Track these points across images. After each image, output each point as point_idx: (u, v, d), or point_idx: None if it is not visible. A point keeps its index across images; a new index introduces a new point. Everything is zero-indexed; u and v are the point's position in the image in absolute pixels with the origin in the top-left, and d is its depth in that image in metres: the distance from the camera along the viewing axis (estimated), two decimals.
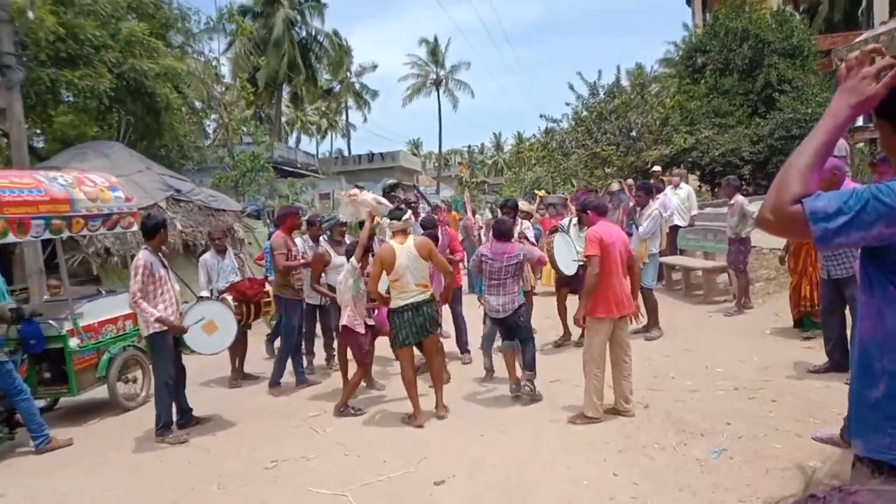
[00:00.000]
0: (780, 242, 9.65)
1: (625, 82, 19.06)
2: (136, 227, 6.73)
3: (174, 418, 5.26)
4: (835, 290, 5.01)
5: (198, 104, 21.29)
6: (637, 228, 7.54)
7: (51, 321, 5.77)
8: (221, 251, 6.97)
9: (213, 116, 21.72)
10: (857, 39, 14.43)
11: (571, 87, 18.75)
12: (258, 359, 7.33)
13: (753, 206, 7.72)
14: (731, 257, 7.84)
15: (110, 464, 4.83)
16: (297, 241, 7.04)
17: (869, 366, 1.52)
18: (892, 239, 1.39)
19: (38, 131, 14.64)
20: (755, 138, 16.93)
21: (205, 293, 6.43)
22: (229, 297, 6.02)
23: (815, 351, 5.82)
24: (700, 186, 19.19)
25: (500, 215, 6.66)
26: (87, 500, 4.23)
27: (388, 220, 5.33)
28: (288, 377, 6.44)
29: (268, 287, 6.47)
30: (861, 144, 17.61)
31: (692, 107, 17.95)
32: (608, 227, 4.84)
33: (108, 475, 4.61)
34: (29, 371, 5.71)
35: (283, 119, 38.60)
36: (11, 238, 5.23)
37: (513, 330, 5.39)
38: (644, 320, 6.21)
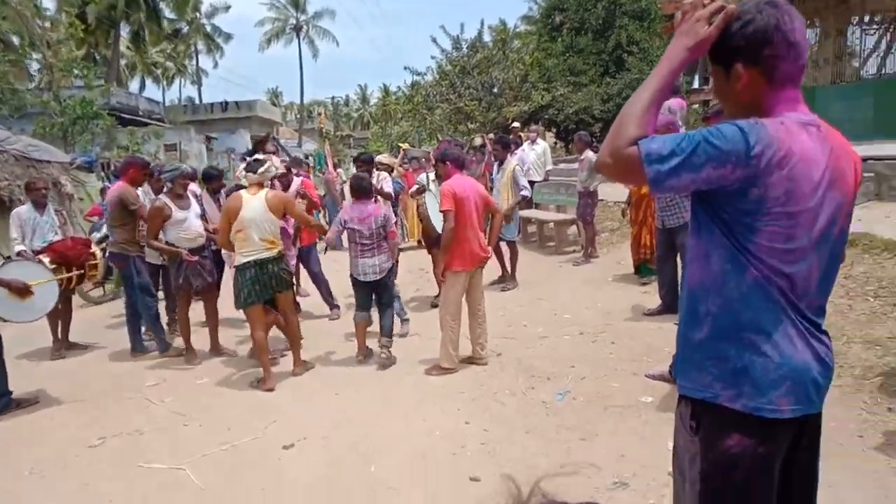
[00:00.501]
0: (625, 195, 10.35)
1: (487, 38, 19.19)
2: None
3: None
4: (668, 238, 5.38)
5: (15, 40, 18.54)
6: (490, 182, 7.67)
7: None
8: (41, 205, 6.09)
9: (35, 56, 19.06)
10: None
11: (435, 41, 18.57)
12: (84, 327, 6.60)
13: None
14: (580, 210, 8.21)
15: None
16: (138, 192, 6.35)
17: (695, 308, 1.54)
18: (719, 182, 1.39)
19: None
20: (605, 97, 17.86)
21: (20, 249, 5.60)
22: (46, 259, 5.31)
23: (651, 295, 6.27)
24: (556, 143, 20.00)
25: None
26: None
27: (243, 172, 4.91)
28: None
29: (94, 248, 5.77)
30: (696, 106, 19.22)
31: (550, 64, 18.50)
32: (462, 180, 4.76)
33: None
34: None
35: (123, 61, 34.79)
36: None
37: (379, 293, 5.17)
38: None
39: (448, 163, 4.80)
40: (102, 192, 9.67)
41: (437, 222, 6.20)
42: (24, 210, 6.01)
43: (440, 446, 3.66)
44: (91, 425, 4.32)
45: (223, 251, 5.77)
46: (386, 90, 65.87)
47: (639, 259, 6.75)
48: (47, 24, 19.65)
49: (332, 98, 61.70)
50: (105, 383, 5.19)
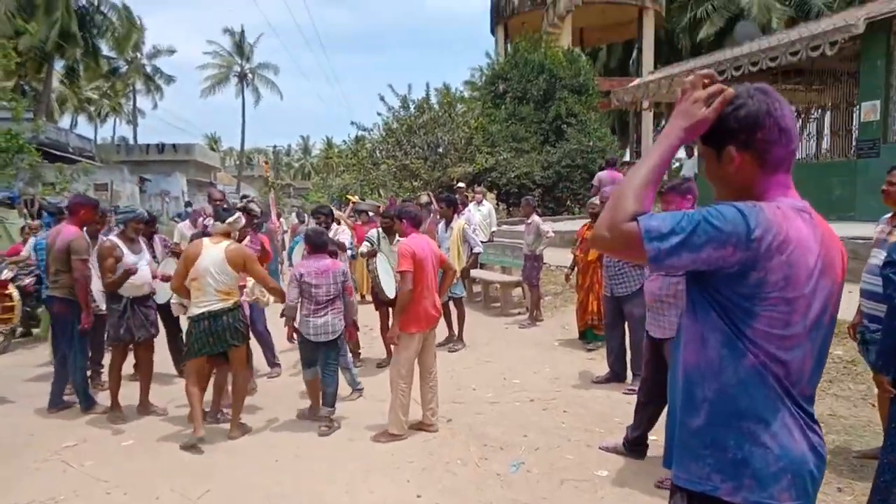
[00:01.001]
0: (567, 260, 10.57)
1: (433, 100, 19.64)
2: None
3: None
4: (616, 306, 5.48)
5: None
6: (438, 239, 7.66)
7: None
8: None
9: None
10: (631, 84, 16.51)
11: (382, 99, 18.87)
12: None
13: (546, 226, 8.27)
14: (526, 272, 8.30)
15: None
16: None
17: (691, 393, 1.51)
18: (718, 263, 1.39)
19: None
20: (546, 164, 18.46)
21: None
22: None
23: (598, 362, 6.33)
24: (498, 204, 20.43)
25: (307, 222, 6.23)
26: None
27: (210, 220, 4.87)
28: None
29: (11, 289, 5.32)
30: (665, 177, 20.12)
31: (493, 129, 19.05)
32: (419, 240, 4.68)
33: None
34: None
35: (54, 95, 33.51)
36: None
37: (326, 354, 4.89)
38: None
39: (405, 220, 4.75)
40: (23, 230, 9.03)
41: (388, 286, 5.93)
42: None
43: None
44: (0, 490, 3.86)
45: (172, 301, 5.44)
46: (329, 142, 66.12)
47: (584, 325, 6.82)
48: None
49: (274, 147, 61.29)
50: (16, 441, 4.69)
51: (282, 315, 5.03)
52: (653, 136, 29.67)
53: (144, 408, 5.26)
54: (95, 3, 30.28)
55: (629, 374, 5.60)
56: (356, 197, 12.02)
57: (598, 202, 6.49)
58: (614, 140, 21.02)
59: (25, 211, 13.36)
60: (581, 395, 5.35)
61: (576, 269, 7.06)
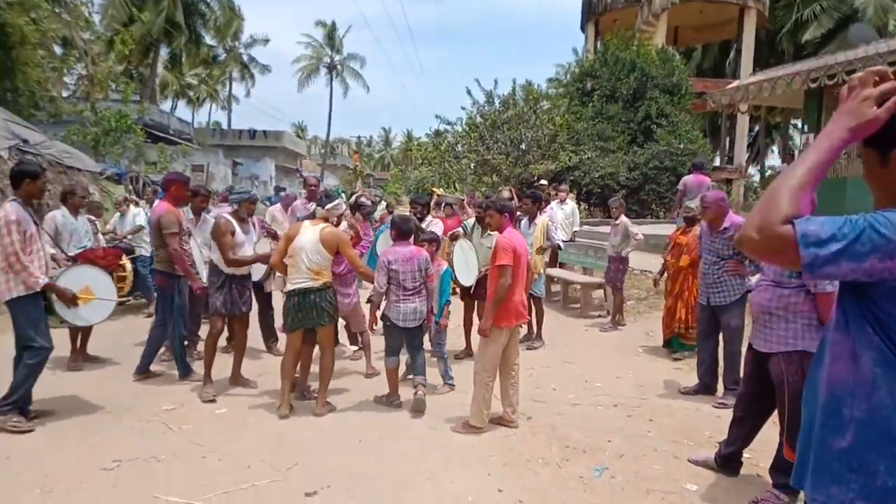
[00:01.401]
0: (651, 265, 10.24)
1: (518, 96, 19.46)
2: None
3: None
4: (711, 316, 5.24)
5: (58, 49, 18.94)
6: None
7: None
8: (76, 211, 6.06)
9: (77, 65, 19.45)
10: (729, 86, 15.77)
11: (469, 93, 18.85)
12: (103, 341, 6.44)
13: (635, 228, 8.04)
14: (610, 274, 8.11)
15: None
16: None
17: (836, 412, 1.41)
18: (882, 275, 1.28)
19: None
20: (632, 165, 17.96)
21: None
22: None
23: (685, 372, 6.10)
24: (579, 204, 20.08)
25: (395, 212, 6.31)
26: None
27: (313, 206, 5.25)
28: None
29: (125, 260, 5.68)
30: (713, 183, 19.34)
31: (579, 128, 18.70)
32: (517, 236, 4.67)
33: None
34: None
35: (157, 80, 35.58)
36: None
37: (412, 338, 5.04)
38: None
39: (506, 214, 4.72)
40: (118, 204, 9.53)
41: (462, 273, 6.05)
42: (58, 215, 5.98)
43: None
44: (105, 446, 4.14)
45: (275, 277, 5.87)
46: (409, 135, 66.99)
47: (671, 333, 6.58)
48: (91, 37, 20.14)
49: (358, 137, 62.67)
50: (121, 402, 5.02)
51: (368, 301, 5.14)
52: (747, 139, 28.34)
53: (236, 379, 5.50)
54: None
55: (720, 386, 5.36)
56: (440, 190, 12.09)
57: (694, 206, 6.23)
58: (706, 143, 20.19)
59: (130, 187, 14.24)
60: (668, 405, 5.17)
61: (665, 274, 6.81)
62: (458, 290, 6.49)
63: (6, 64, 12.72)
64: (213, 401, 5.03)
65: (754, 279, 4.50)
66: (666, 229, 11.02)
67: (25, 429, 4.35)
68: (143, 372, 5.63)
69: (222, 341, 5.71)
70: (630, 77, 18.95)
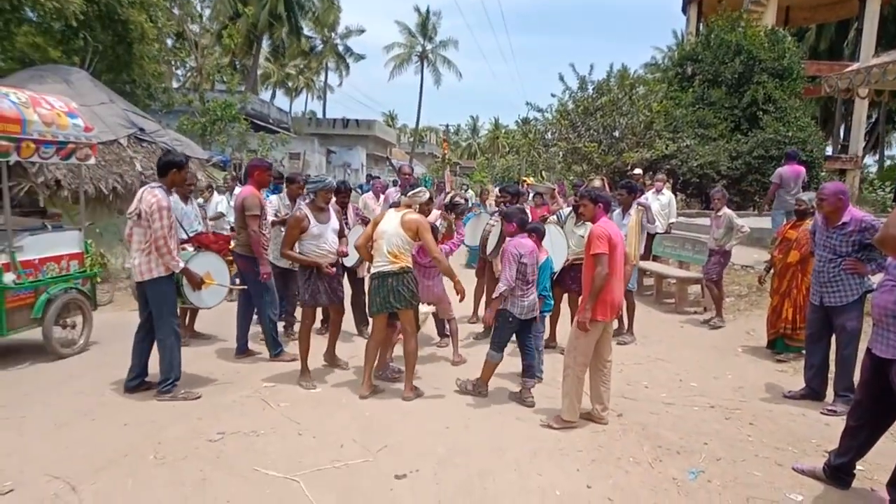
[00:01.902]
0: (752, 259, 9.68)
1: (612, 82, 18.82)
2: (92, 161, 6.34)
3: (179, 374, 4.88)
4: (824, 317, 4.87)
5: (169, 42, 20.21)
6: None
7: None
8: (185, 197, 6.47)
9: (187, 58, 20.69)
10: (848, 69, 14.54)
11: (562, 79, 18.44)
12: (209, 319, 6.85)
13: (741, 220, 7.60)
14: (709, 267, 7.75)
15: (35, 418, 4.37)
16: (273, 198, 6.61)
17: None
18: None
19: None
20: (734, 154, 16.99)
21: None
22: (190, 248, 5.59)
23: (789, 375, 5.73)
24: (675, 194, 19.28)
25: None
26: (3, 452, 3.79)
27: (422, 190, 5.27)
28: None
29: (233, 244, 5.99)
30: (823, 174, 17.89)
31: (677, 114, 17.88)
32: (613, 225, 4.53)
33: (32, 431, 4.15)
34: None
35: (259, 71, 37.26)
36: None
37: (528, 330, 5.02)
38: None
39: (601, 204, 4.57)
40: (201, 191, 9.91)
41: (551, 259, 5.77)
42: (172, 201, 6.37)
43: None
44: (210, 418, 4.41)
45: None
46: (496, 123, 66.68)
47: (776, 333, 6.17)
48: (199, 30, 21.34)
49: (446, 126, 63.05)
50: (224, 377, 5.34)
51: (495, 297, 4.85)
52: (864, 127, 26.09)
53: (331, 359, 5.69)
54: None
55: (829, 392, 4.99)
56: (531, 178, 11.94)
57: (807, 199, 5.81)
58: (817, 130, 18.75)
59: (234, 173, 15.03)
60: (770, 409, 4.86)
61: (771, 270, 6.40)
62: None
63: (126, 58, 13.73)
64: (313, 388, 5.11)
65: (875, 279, 4.13)
66: (769, 222, 10.36)
67: (194, 396, 4.80)
68: (243, 352, 5.95)
69: (317, 325, 5.92)
70: (735, 60, 17.90)
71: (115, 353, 5.63)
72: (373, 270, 4.96)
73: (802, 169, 9.81)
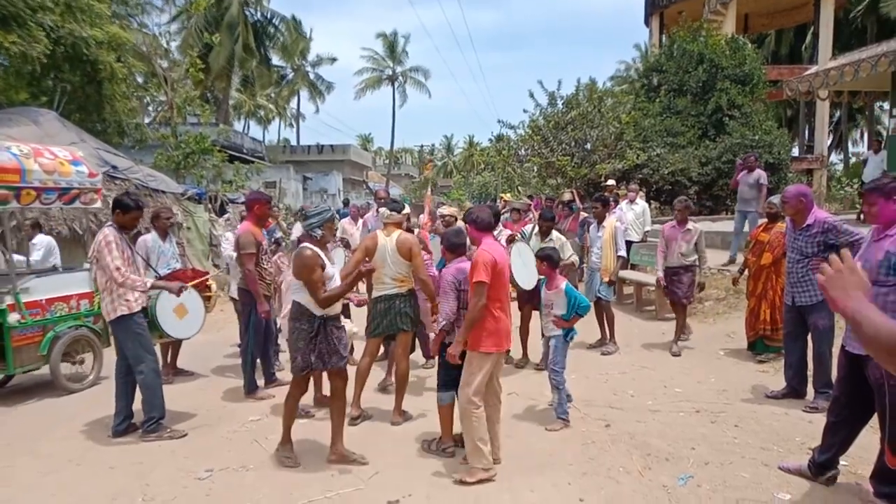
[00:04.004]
0: (724, 260, 9.84)
1: (581, 96, 19.14)
2: (98, 204, 6.51)
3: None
4: (798, 316, 4.99)
5: (139, 79, 20.16)
6: (588, 240, 7.47)
7: None
8: (164, 233, 6.44)
9: (157, 93, 20.59)
10: (807, 73, 15.01)
11: (532, 95, 18.71)
12: (190, 356, 6.80)
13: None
14: (686, 289, 6.82)
15: (21, 468, 4.28)
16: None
17: None
18: None
19: None
20: (704, 160, 17.33)
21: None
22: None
23: (770, 375, 5.84)
24: (649, 202, 19.58)
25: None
26: None
27: (385, 211, 5.23)
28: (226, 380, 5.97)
29: (210, 281, 5.97)
30: (790, 175, 18.29)
31: (646, 124, 18.22)
32: (498, 248, 4.14)
33: (19, 482, 4.07)
34: None
35: (231, 102, 37.24)
36: None
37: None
38: None
39: (469, 226, 4.18)
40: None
41: (520, 277, 5.63)
42: (149, 238, 6.35)
43: None
44: (198, 456, 4.37)
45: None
46: (471, 141, 67.23)
47: (755, 335, 6.30)
48: (168, 65, 21.30)
49: (421, 146, 63.44)
50: (210, 413, 5.29)
51: (436, 332, 4.31)
52: (828, 126, 26.78)
53: (320, 398, 5.40)
54: (268, 17, 33.18)
55: (809, 390, 5.09)
56: (508, 195, 12.06)
57: (776, 202, 5.97)
58: (783, 133, 19.22)
59: (209, 206, 14.95)
60: (754, 410, 4.95)
61: (746, 272, 6.54)
62: (515, 295, 6.41)
63: (96, 98, 13.65)
64: (292, 462, 4.22)
65: None
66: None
67: (180, 435, 4.75)
68: (251, 390, 5.74)
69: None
70: (698, 69, 18.34)
71: (106, 393, 5.55)
72: (378, 294, 5.00)
73: (762, 172, 9.91)
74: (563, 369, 4.86)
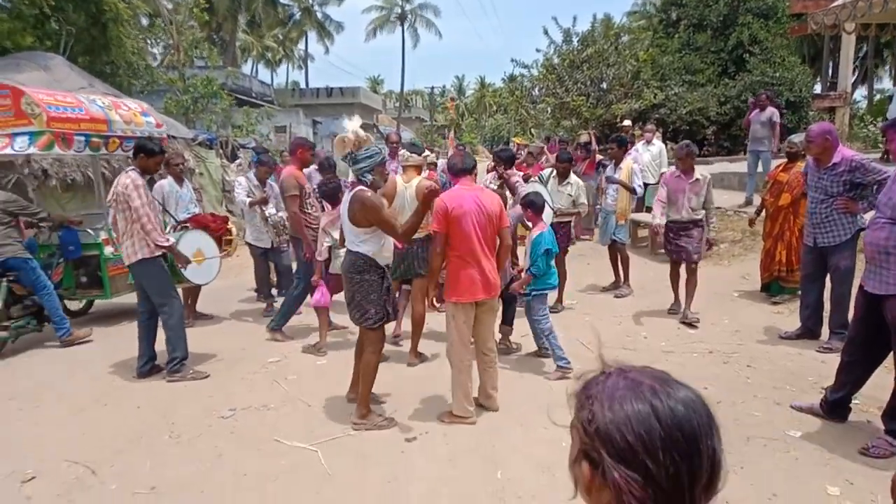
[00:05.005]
0: (743, 202, 9.71)
1: (597, 33, 18.55)
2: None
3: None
4: (818, 257, 4.94)
5: (144, 21, 19.76)
6: (606, 181, 7.36)
7: (88, 230, 6.43)
8: (179, 179, 6.46)
9: (162, 36, 20.23)
10: (833, 5, 14.34)
11: (546, 32, 18.22)
12: (209, 301, 6.91)
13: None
14: (695, 245, 5.88)
15: (49, 407, 4.43)
16: (241, 179, 6.74)
17: None
18: None
19: None
20: (723, 98, 16.90)
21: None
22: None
23: (785, 316, 5.84)
24: (666, 143, 19.24)
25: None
26: (21, 442, 3.86)
27: (405, 153, 5.14)
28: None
29: (231, 224, 6.02)
30: (812, 113, 17.78)
31: (664, 62, 17.72)
32: (461, 194, 3.90)
33: (48, 420, 4.22)
34: (67, 274, 6.40)
35: (238, 44, 36.52)
36: (57, 150, 5.59)
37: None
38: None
39: (460, 173, 4.06)
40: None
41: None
42: (166, 184, 6.37)
43: (565, 460, 3.51)
44: (221, 396, 4.50)
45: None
46: (482, 82, 65.81)
47: (770, 276, 6.26)
48: (169, 6, 20.82)
49: (431, 88, 62.11)
50: (231, 355, 5.41)
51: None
52: (853, 62, 25.80)
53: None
54: None
55: (824, 331, 5.10)
56: (519, 138, 11.88)
57: (797, 141, 5.82)
58: (805, 69, 18.60)
59: (220, 151, 14.88)
60: (767, 351, 4.98)
61: (762, 213, 6.45)
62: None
63: (102, 40, 13.44)
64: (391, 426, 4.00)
65: (867, 217, 4.19)
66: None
67: (203, 375, 4.89)
68: (277, 328, 5.83)
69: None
70: (720, 2, 17.68)
71: (126, 340, 5.70)
72: None
73: (775, 110, 9.65)
74: (545, 317, 4.77)
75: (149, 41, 19.41)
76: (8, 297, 5.56)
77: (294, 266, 6.16)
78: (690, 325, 5.76)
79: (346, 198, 3.85)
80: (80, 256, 6.30)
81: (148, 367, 4.94)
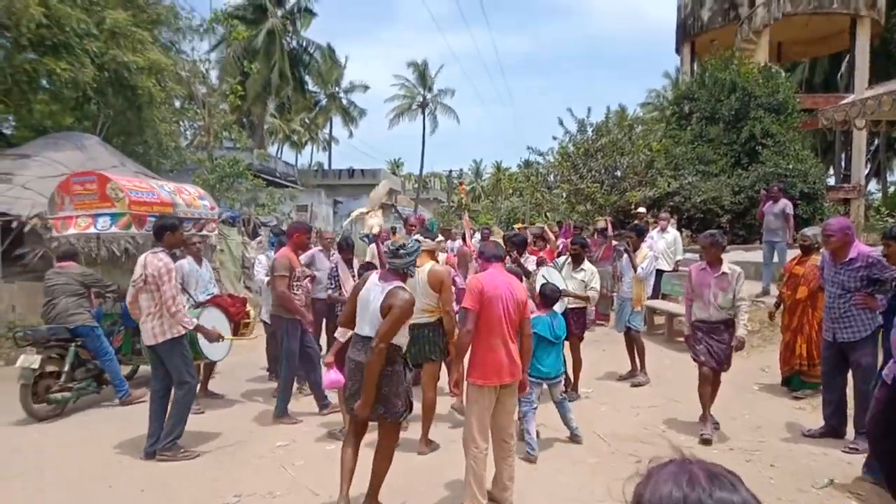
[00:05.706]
0: (758, 291, 9.64)
1: (611, 123, 19.13)
2: (216, 231, 7.42)
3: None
4: (838, 353, 4.85)
5: (177, 104, 20.78)
6: (621, 270, 7.39)
7: None
8: (199, 258, 6.58)
9: (195, 117, 21.21)
10: (843, 102, 14.76)
11: (561, 123, 18.80)
12: (220, 379, 6.89)
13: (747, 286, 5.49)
14: (727, 350, 5.17)
15: (54, 482, 4.35)
16: (261, 257, 6.95)
17: None
18: None
19: (9, 116, 14.04)
20: (737, 188, 17.10)
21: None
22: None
23: (807, 413, 5.67)
24: (680, 231, 19.35)
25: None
26: None
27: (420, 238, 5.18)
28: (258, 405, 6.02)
29: (249, 307, 6.10)
30: (827, 205, 17.89)
31: (677, 152, 18.09)
32: (495, 277, 3.94)
33: (52, 497, 4.14)
34: (126, 341, 6.80)
35: (266, 127, 38.09)
36: (133, 230, 6.26)
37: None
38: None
39: (481, 260, 4.16)
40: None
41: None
42: (185, 263, 6.48)
43: None
44: (226, 480, 4.40)
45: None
46: (499, 166, 67.46)
47: (790, 370, 6.13)
48: (206, 91, 21.95)
49: (449, 171, 63.71)
50: (238, 437, 5.32)
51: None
52: (865, 155, 26.22)
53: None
54: (304, 45, 34.05)
55: (849, 430, 4.92)
56: (520, 224, 12.06)
57: (811, 234, 5.85)
58: (817, 162, 18.88)
59: (243, 229, 15.23)
60: (791, 449, 4.80)
61: (781, 307, 6.39)
62: None
63: (136, 122, 14.12)
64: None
65: None
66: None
67: (194, 455, 4.84)
68: (281, 415, 5.74)
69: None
70: (731, 97, 18.20)
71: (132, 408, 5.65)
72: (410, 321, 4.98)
73: (787, 201, 9.71)
74: (529, 401, 4.73)
75: (181, 123, 20.34)
76: (74, 360, 5.95)
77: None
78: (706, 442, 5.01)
79: (375, 288, 3.77)
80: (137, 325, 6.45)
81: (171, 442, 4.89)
